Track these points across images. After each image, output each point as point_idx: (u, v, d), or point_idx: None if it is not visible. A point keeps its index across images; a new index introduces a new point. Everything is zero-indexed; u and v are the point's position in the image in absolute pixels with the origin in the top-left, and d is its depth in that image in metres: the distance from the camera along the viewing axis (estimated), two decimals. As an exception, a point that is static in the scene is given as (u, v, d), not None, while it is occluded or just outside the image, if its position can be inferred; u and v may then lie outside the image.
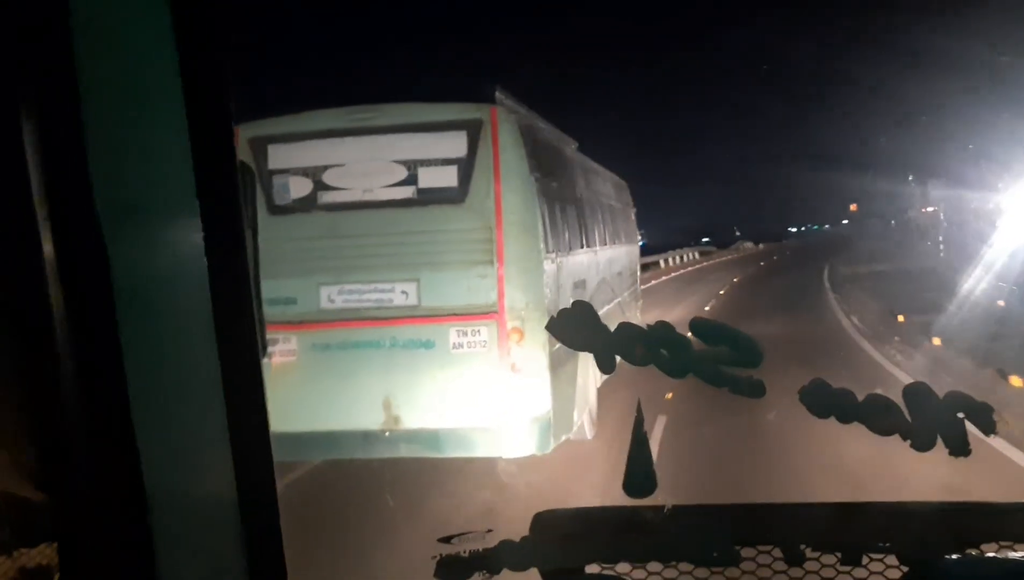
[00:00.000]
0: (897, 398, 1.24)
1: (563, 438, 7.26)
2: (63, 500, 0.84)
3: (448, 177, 6.73)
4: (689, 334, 1.24)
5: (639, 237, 16.18)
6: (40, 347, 0.84)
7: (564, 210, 8.27)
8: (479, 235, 6.64)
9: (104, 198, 0.84)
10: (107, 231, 0.84)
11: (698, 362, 1.22)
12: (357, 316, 6.75)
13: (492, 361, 6.61)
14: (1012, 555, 1.39)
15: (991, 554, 1.39)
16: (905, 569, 1.38)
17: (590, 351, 1.25)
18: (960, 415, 1.22)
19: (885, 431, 1.22)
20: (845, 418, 1.23)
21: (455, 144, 6.76)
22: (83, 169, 0.83)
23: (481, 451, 6.86)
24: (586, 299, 7.80)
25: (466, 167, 6.67)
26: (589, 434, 8.62)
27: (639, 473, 1.37)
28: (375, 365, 6.70)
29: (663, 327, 1.23)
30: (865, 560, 1.40)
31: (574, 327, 1.25)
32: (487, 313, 6.60)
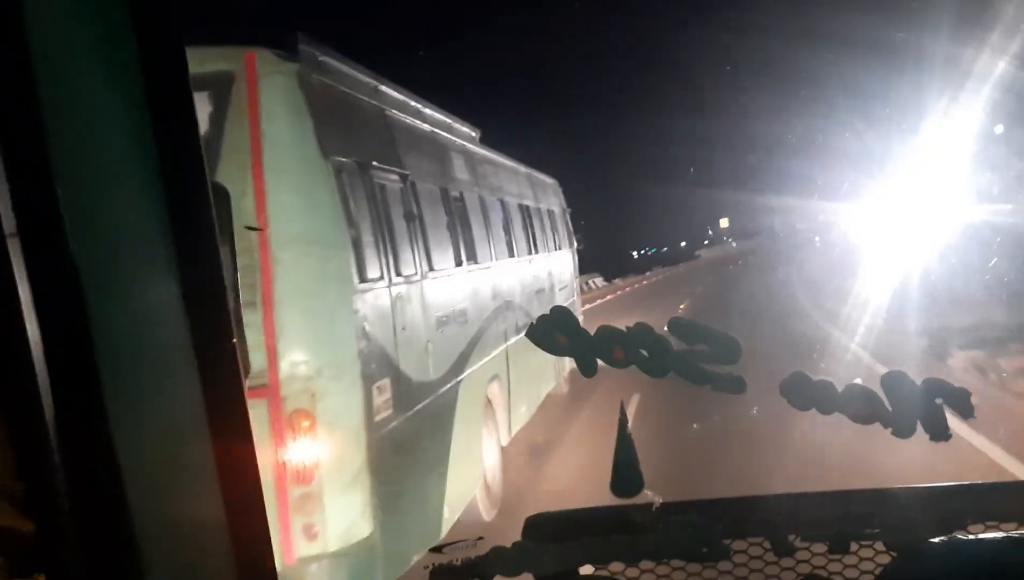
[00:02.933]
0: (876, 387, 1.25)
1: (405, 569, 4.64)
2: (48, 531, 0.84)
3: None
4: (667, 333, 1.25)
5: (575, 243, 13.75)
6: (17, 376, 0.84)
7: (416, 214, 5.60)
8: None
9: (72, 220, 0.84)
10: (78, 257, 0.84)
11: (678, 361, 1.23)
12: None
13: (262, 466, 3.02)
14: (998, 535, 1.41)
15: (978, 535, 1.41)
16: (894, 554, 1.39)
17: (570, 356, 1.26)
18: (939, 401, 1.24)
19: (866, 420, 1.24)
20: (826, 409, 1.24)
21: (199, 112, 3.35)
22: (51, 187, 0.83)
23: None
24: (473, 335, 6.66)
25: (212, 147, 4.04)
26: (487, 514, 6.60)
27: (625, 473, 1.38)
28: None
29: (642, 328, 1.24)
30: (854, 547, 1.42)
31: (554, 333, 1.26)
32: (251, 388, 3.90)
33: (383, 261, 4.87)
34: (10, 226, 0.82)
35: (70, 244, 0.82)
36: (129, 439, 0.86)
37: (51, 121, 0.83)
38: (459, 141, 7.97)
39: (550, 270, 10.98)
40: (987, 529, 1.41)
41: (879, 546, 1.41)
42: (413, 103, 6.63)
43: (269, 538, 1.02)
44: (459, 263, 6.63)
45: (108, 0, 0.92)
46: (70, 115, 0.87)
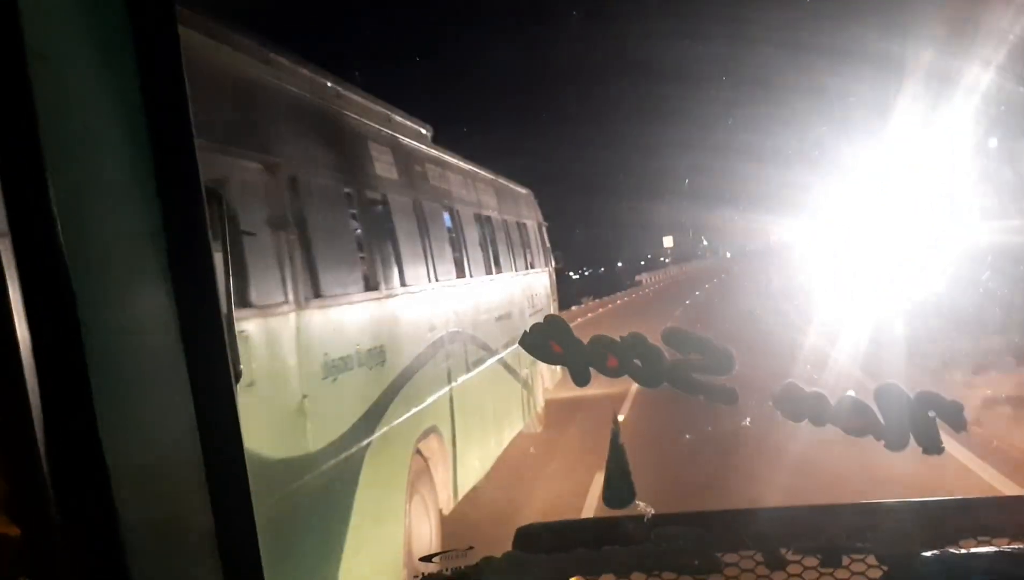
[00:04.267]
0: (869, 400, 1.25)
1: None
2: (34, 535, 0.83)
3: None
4: (661, 343, 1.25)
5: (553, 262, 12.09)
6: (6, 377, 0.83)
7: (291, 219, 4.12)
8: None
9: (64, 220, 0.83)
10: (70, 257, 0.83)
11: (671, 371, 1.22)
12: None
13: None
14: (990, 549, 1.41)
15: (969, 549, 1.41)
16: (886, 567, 1.39)
17: (564, 365, 1.25)
18: (931, 414, 1.24)
19: (858, 433, 1.24)
20: (818, 421, 1.24)
21: None
22: (43, 188, 0.82)
23: None
24: (394, 381, 4.89)
25: None
26: None
27: (617, 484, 1.38)
28: None
29: (636, 338, 1.24)
30: (846, 561, 1.42)
31: (547, 341, 1.25)
32: None
33: (218, 282, 2.63)
34: (1, 225, 0.82)
35: (62, 244, 0.82)
36: (118, 442, 0.85)
37: (45, 122, 0.83)
38: (392, 134, 6.29)
39: (518, 293, 9.36)
40: (979, 543, 1.41)
41: (871, 560, 1.40)
42: (320, 80, 5.20)
43: (256, 542, 1.01)
44: (373, 286, 5.08)
45: (105, 3, 0.92)
46: (65, 116, 0.86)
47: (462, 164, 8.40)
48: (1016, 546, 1.40)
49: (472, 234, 7.89)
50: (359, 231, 5.13)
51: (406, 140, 6.67)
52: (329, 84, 5.34)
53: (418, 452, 5.50)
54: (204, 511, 0.96)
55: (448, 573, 1.39)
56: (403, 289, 5.55)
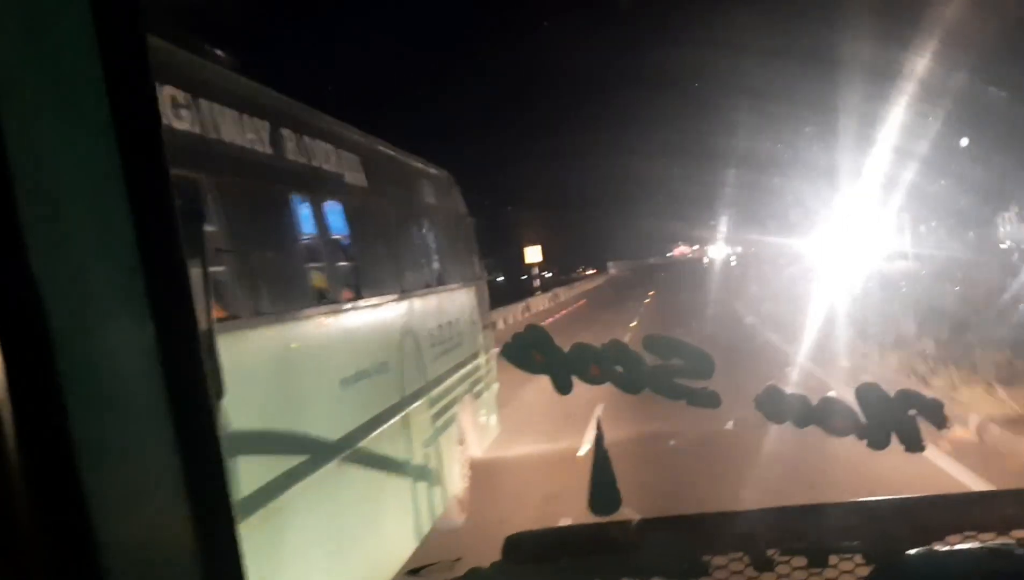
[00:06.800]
0: (851, 400, 1.26)
1: None
2: (6, 555, 0.82)
3: None
4: (642, 349, 1.25)
5: (481, 272, 8.85)
6: None
7: None
8: None
9: (37, 246, 0.82)
10: (40, 275, 0.82)
11: (653, 377, 1.23)
12: None
13: None
14: (975, 545, 1.42)
15: (955, 545, 1.41)
16: (872, 566, 1.39)
17: (546, 374, 1.25)
18: (912, 412, 1.24)
19: (840, 433, 1.24)
20: (801, 422, 1.24)
21: None
22: (15, 222, 0.82)
23: None
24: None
25: None
26: None
27: (603, 491, 1.38)
28: None
29: (616, 345, 1.24)
30: (833, 560, 1.42)
31: (528, 352, 1.25)
32: None
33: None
34: None
35: (32, 262, 0.81)
36: (93, 454, 0.84)
37: (10, 139, 0.82)
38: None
39: (416, 325, 5.97)
40: (964, 539, 1.42)
41: (858, 559, 1.41)
42: None
43: (240, 559, 1.00)
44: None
45: (69, 12, 0.91)
46: (30, 132, 0.86)
47: (304, 115, 4.97)
48: (1002, 541, 1.41)
49: (326, 233, 4.77)
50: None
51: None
52: None
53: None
54: (186, 530, 0.96)
55: None
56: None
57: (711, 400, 1.23)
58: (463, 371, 7.21)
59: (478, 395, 7.72)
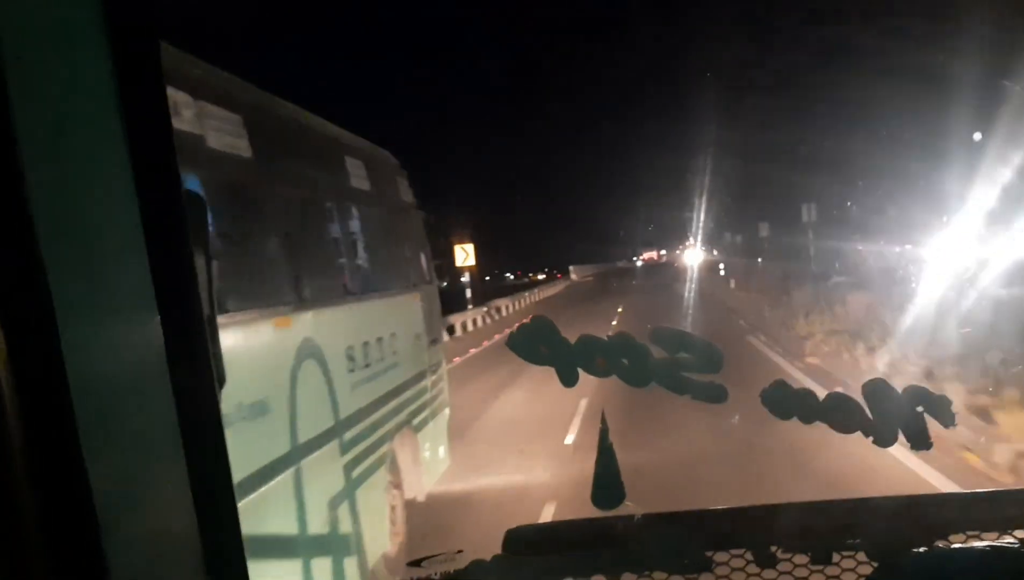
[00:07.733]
0: (857, 396, 1.25)
1: None
2: (11, 550, 0.81)
3: None
4: (649, 341, 1.24)
5: (430, 277, 7.50)
6: None
7: None
8: None
9: (44, 227, 0.82)
10: (48, 257, 0.82)
11: (659, 370, 1.22)
12: None
13: None
14: (980, 544, 1.41)
15: (959, 544, 1.41)
16: (876, 564, 1.39)
17: (551, 365, 1.24)
18: (919, 409, 1.24)
19: (847, 429, 1.23)
20: (807, 418, 1.23)
21: None
22: (24, 210, 0.81)
23: None
24: None
25: None
26: None
27: (607, 484, 1.37)
28: None
29: (623, 337, 1.23)
30: (836, 557, 1.41)
31: (534, 343, 1.24)
32: None
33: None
34: None
35: (40, 249, 0.80)
36: (98, 448, 0.84)
37: (22, 131, 0.81)
38: None
39: (326, 342, 4.73)
40: (968, 538, 1.41)
41: (861, 556, 1.40)
42: None
43: (242, 549, 1.00)
44: None
45: (80, 3, 0.90)
46: (42, 121, 0.85)
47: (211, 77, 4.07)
48: (1006, 540, 1.40)
49: (235, 227, 3.85)
50: None
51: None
52: None
53: None
54: (189, 519, 0.95)
55: (437, 577, 1.38)
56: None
57: (717, 394, 1.22)
58: (400, 400, 5.84)
59: (421, 426, 6.31)
